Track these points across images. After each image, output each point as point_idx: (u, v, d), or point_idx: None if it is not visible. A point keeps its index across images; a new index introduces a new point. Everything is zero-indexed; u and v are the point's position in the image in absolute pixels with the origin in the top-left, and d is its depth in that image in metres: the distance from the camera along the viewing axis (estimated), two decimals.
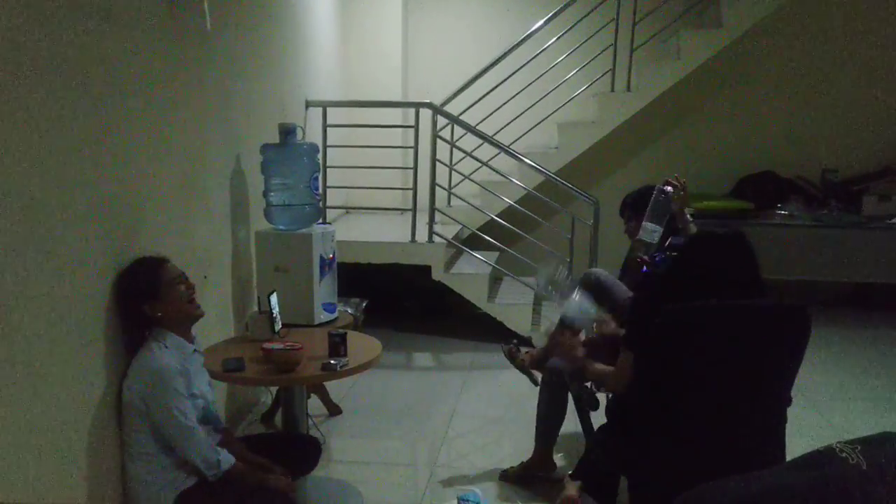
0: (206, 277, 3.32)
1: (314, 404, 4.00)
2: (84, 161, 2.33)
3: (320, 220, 4.09)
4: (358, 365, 2.85)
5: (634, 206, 3.43)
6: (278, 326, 3.22)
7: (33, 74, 2.06)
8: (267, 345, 2.89)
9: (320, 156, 5.06)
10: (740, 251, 2.30)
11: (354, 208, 6.38)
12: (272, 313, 3.18)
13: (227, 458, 2.43)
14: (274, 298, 3.22)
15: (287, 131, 3.78)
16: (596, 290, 3.33)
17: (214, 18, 3.26)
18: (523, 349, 3.47)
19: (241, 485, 2.42)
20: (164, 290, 2.44)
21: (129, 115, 2.61)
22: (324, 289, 3.83)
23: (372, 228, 5.82)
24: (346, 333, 2.97)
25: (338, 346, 2.90)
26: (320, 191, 3.96)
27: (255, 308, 3.35)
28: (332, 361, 2.80)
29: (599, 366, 2.73)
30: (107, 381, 2.44)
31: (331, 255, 3.89)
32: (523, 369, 3.45)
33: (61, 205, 2.20)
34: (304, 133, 3.93)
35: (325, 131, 5.24)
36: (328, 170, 5.27)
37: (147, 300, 2.42)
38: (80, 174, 2.31)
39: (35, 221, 2.07)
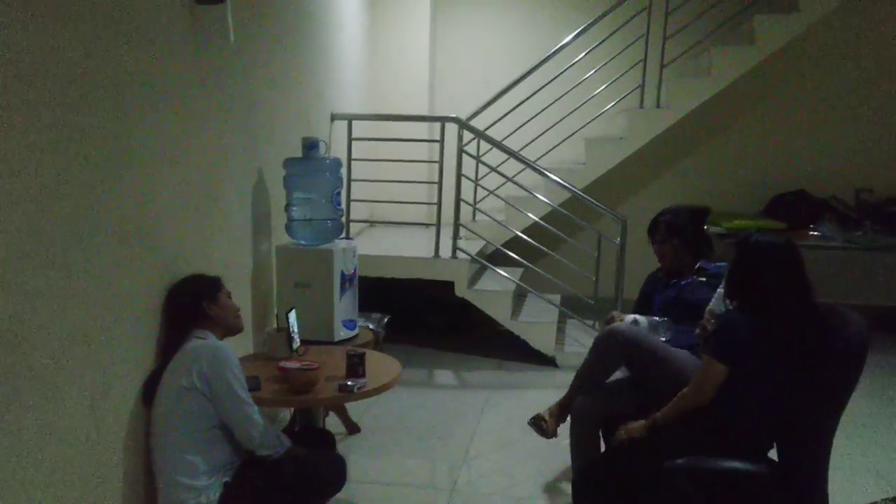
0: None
1: (333, 422, 3.93)
2: (104, 174, 2.30)
3: (343, 235, 4.03)
4: (376, 387, 2.79)
5: (671, 229, 3.27)
6: (296, 344, 3.17)
7: (54, 88, 2.04)
8: (283, 363, 2.83)
9: (344, 170, 5.06)
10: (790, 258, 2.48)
11: (379, 222, 6.33)
12: (290, 330, 3.13)
13: (287, 438, 2.58)
14: (293, 315, 3.17)
15: (310, 145, 3.75)
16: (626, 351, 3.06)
17: (238, 31, 3.23)
18: (545, 414, 3.25)
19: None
20: (220, 296, 2.69)
21: (148, 127, 2.58)
22: (344, 305, 3.78)
23: (396, 243, 5.77)
24: (364, 353, 2.91)
25: (356, 366, 2.84)
26: (342, 205, 3.90)
27: (274, 325, 3.30)
28: (349, 383, 2.73)
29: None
30: (128, 387, 2.47)
31: (352, 271, 3.84)
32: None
33: (77, 218, 2.17)
34: (327, 147, 3.89)
35: (349, 144, 5.20)
36: (353, 183, 5.25)
37: (207, 298, 2.64)
38: (97, 187, 2.27)
39: (51, 235, 2.04)
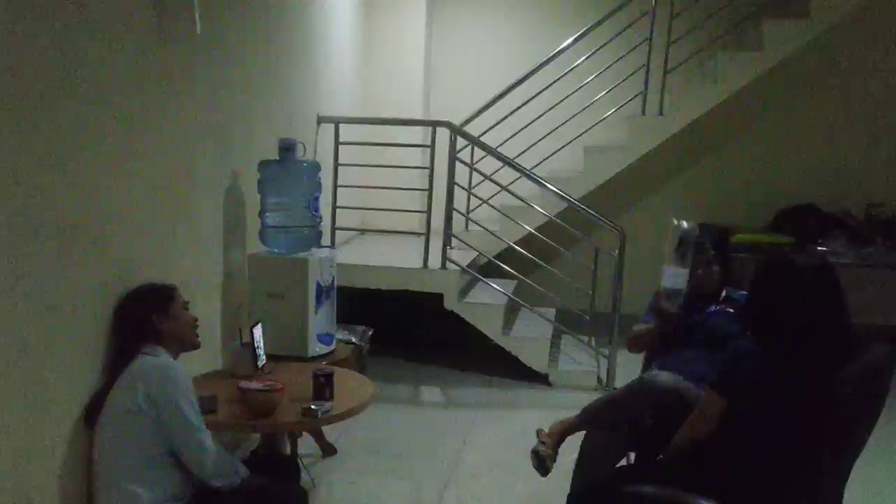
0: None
1: (306, 443, 3.69)
2: (51, 173, 2.12)
3: (326, 244, 3.80)
4: (343, 411, 2.56)
5: (719, 250, 3.00)
6: (262, 361, 2.93)
7: None
8: (244, 383, 2.60)
9: (330, 175, 4.85)
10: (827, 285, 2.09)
11: (369, 230, 6.12)
12: (255, 346, 2.90)
13: (243, 467, 2.33)
14: (258, 330, 2.94)
15: (287, 147, 3.53)
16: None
17: (208, 22, 3.02)
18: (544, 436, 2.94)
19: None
20: (172, 308, 2.45)
21: (101, 120, 2.38)
22: (320, 318, 3.54)
23: (384, 252, 5.55)
24: (332, 373, 2.68)
25: (322, 387, 2.61)
26: (320, 212, 3.68)
27: (239, 340, 3.06)
28: (312, 406, 2.50)
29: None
30: (68, 406, 2.28)
31: (330, 282, 3.61)
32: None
33: (10, 218, 1.96)
34: (305, 149, 3.67)
35: (336, 148, 4.99)
36: (340, 189, 5.04)
37: (156, 311, 2.41)
38: (43, 190, 2.08)
39: None
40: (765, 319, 2.16)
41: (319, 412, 2.49)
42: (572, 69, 5.58)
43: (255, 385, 2.57)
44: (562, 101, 5.59)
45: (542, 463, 2.80)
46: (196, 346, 2.54)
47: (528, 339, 5.10)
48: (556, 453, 2.85)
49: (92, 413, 2.30)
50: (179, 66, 2.91)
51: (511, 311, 5.46)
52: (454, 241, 5.16)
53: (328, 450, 3.78)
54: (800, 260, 2.14)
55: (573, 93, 5.61)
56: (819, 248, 5.75)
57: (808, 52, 5.84)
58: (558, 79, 5.54)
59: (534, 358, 5.02)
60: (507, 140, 5.56)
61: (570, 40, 5.51)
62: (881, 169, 6.28)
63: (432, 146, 4.92)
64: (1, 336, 1.95)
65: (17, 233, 2.00)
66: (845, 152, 6.31)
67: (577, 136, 5.66)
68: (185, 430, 2.23)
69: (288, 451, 3.02)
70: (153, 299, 2.45)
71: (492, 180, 5.21)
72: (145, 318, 2.39)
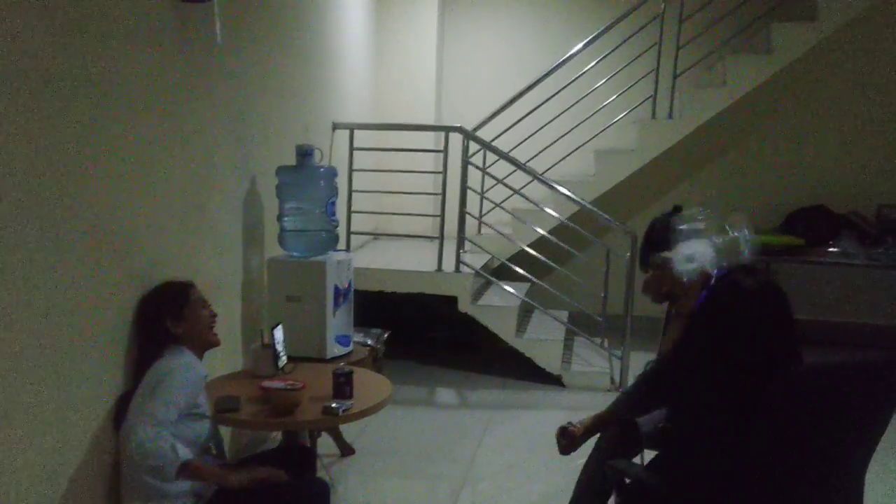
0: None
1: (325, 443, 3.76)
2: (75, 180, 2.17)
3: (342, 247, 3.86)
4: (363, 409, 2.61)
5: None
6: (283, 361, 2.99)
7: (28, 88, 1.93)
8: (266, 383, 2.66)
9: (345, 180, 4.93)
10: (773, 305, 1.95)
11: (383, 235, 6.18)
12: (276, 347, 2.96)
13: (184, 451, 2.18)
14: (279, 331, 3.00)
15: (304, 153, 3.60)
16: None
17: (228, 32, 3.09)
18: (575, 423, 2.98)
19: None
20: (188, 310, 2.46)
21: (124, 128, 2.44)
22: (338, 320, 3.61)
23: (399, 255, 5.62)
24: (352, 372, 2.73)
25: (342, 386, 2.67)
26: (337, 216, 3.75)
27: (260, 341, 3.13)
28: (333, 405, 2.56)
29: None
30: (94, 407, 2.32)
31: (346, 285, 3.68)
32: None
33: (38, 225, 2.02)
34: (322, 155, 3.74)
35: (351, 154, 5.06)
36: (356, 194, 5.12)
37: (170, 316, 2.42)
38: (69, 193, 2.14)
39: (10, 243, 1.89)
40: (706, 350, 1.99)
41: (340, 410, 2.55)
42: (583, 73, 5.62)
43: (277, 384, 2.64)
44: (572, 105, 5.64)
45: (561, 439, 2.70)
46: (215, 344, 2.55)
47: (542, 340, 5.13)
48: (585, 436, 2.79)
49: (119, 413, 2.35)
50: (200, 74, 2.99)
51: (524, 313, 5.51)
52: (467, 245, 5.22)
53: (346, 450, 3.84)
54: (746, 283, 1.97)
55: (584, 97, 5.65)
56: (830, 249, 5.76)
57: (816, 54, 5.85)
58: (569, 83, 5.59)
59: (547, 360, 5.06)
60: (518, 144, 5.61)
61: (580, 45, 5.54)
62: (891, 170, 6.27)
63: (445, 151, 4.98)
64: (32, 338, 2.00)
65: (46, 236, 2.05)
66: (855, 153, 6.31)
67: (588, 140, 5.69)
68: (138, 407, 2.20)
69: (314, 446, 3.06)
70: (167, 303, 2.46)
71: (504, 184, 5.25)
72: (160, 325, 2.42)
